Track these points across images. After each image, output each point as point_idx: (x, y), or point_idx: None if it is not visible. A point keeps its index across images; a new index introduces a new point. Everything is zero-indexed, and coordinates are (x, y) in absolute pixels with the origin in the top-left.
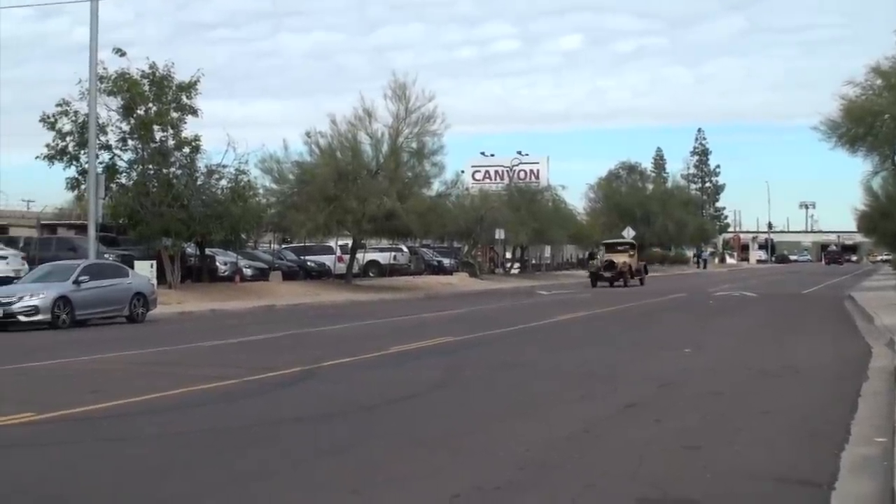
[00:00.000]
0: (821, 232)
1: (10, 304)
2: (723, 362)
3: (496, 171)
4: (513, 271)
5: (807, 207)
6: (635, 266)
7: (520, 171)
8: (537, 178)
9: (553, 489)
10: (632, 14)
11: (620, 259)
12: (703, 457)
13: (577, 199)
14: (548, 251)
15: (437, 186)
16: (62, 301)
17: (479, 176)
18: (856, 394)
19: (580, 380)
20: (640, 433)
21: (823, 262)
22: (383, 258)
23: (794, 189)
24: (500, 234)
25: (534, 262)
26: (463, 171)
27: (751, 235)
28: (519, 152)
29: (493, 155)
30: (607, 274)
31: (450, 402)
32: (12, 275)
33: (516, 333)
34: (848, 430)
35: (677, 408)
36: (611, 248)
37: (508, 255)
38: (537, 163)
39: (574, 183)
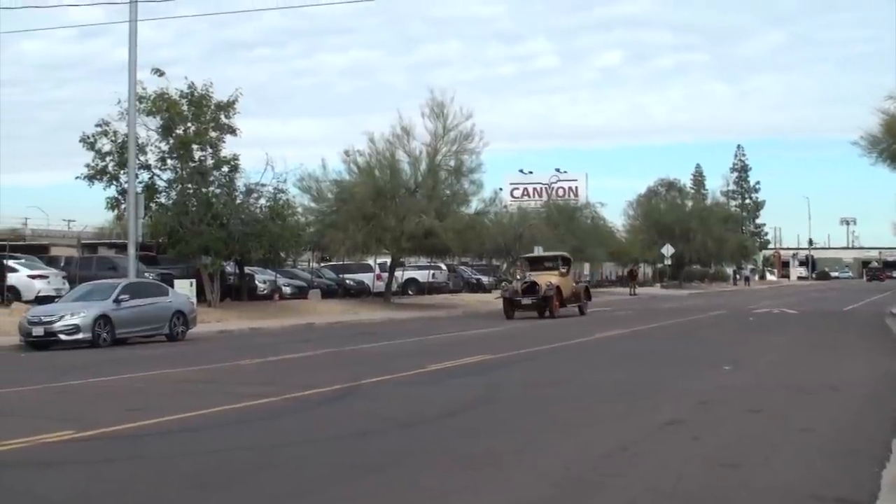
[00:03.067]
0: (862, 248)
1: (51, 322)
2: (762, 380)
3: (534, 189)
4: None
5: (847, 223)
6: (570, 288)
7: (558, 188)
8: (576, 195)
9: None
10: (672, 29)
11: (545, 279)
12: (742, 474)
13: (616, 216)
14: (587, 269)
15: (475, 204)
16: (103, 320)
17: (517, 193)
18: (894, 412)
19: (619, 397)
20: (678, 451)
21: (865, 278)
22: (422, 276)
23: (834, 205)
24: (538, 251)
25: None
26: (501, 189)
27: (791, 252)
28: (557, 169)
29: (531, 172)
30: (527, 300)
31: (489, 419)
32: (53, 294)
33: (555, 351)
34: (889, 447)
35: (716, 425)
36: (535, 263)
37: None
38: (576, 180)
39: (613, 200)
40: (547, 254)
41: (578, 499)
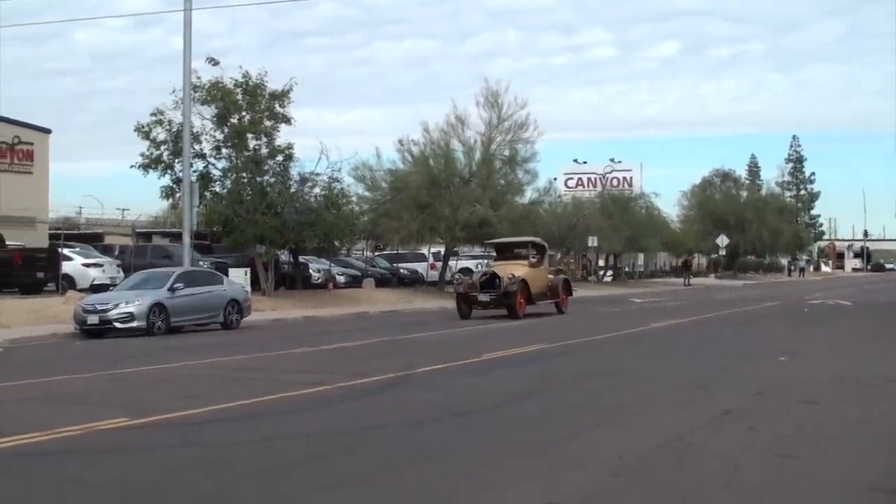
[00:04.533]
0: None
1: (106, 311)
2: (818, 371)
3: (589, 179)
4: (605, 279)
5: None
6: (544, 282)
7: (613, 178)
8: (630, 185)
9: (646, 497)
10: (730, 20)
11: (508, 271)
12: (799, 466)
13: (670, 206)
14: (641, 259)
15: (529, 194)
16: (157, 308)
17: (571, 183)
18: None
19: (675, 387)
20: (735, 441)
21: None
22: (476, 265)
23: (890, 197)
24: (592, 241)
25: (626, 269)
26: (556, 179)
27: (846, 243)
28: (612, 159)
29: (585, 162)
30: (484, 297)
31: (543, 408)
32: (108, 282)
33: (609, 341)
34: None
35: (772, 416)
36: (503, 250)
37: (601, 263)
38: (630, 170)
39: (668, 190)
40: (516, 239)
41: (633, 488)
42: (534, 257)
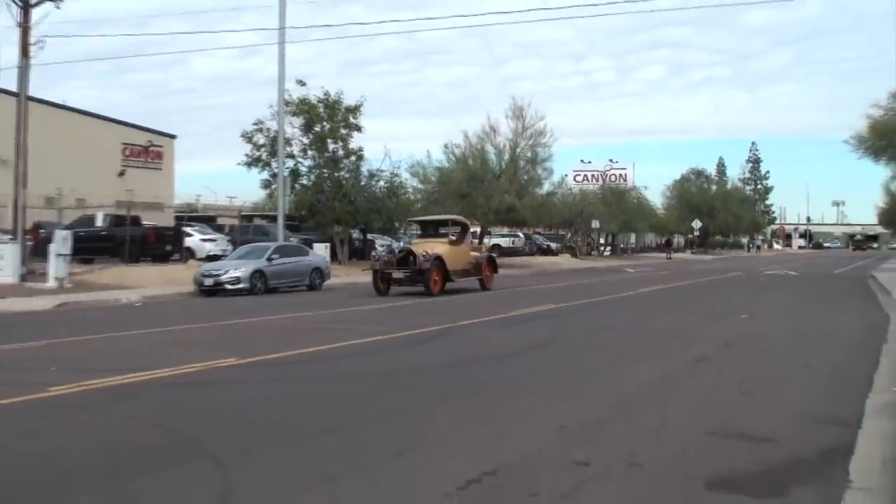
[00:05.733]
0: (849, 224)
1: (218, 276)
2: (771, 327)
3: (592, 175)
4: (605, 253)
5: (838, 205)
6: (465, 260)
7: (611, 174)
8: (625, 180)
9: (639, 423)
10: (703, 50)
11: (424, 248)
12: (757, 401)
13: (656, 197)
14: (633, 238)
15: (546, 186)
16: (258, 273)
17: (579, 178)
18: (877, 353)
19: (660, 339)
20: (707, 381)
21: (851, 248)
22: (504, 242)
23: (828, 190)
24: (595, 224)
25: (622, 246)
26: (566, 175)
27: (793, 227)
28: (611, 160)
29: (590, 162)
30: (399, 274)
31: (558, 355)
32: (220, 253)
33: (608, 302)
34: (871, 381)
35: (736, 362)
36: (426, 228)
37: (602, 241)
38: (625, 168)
39: (654, 184)
40: (438, 217)
41: (629, 416)
42: (453, 235)
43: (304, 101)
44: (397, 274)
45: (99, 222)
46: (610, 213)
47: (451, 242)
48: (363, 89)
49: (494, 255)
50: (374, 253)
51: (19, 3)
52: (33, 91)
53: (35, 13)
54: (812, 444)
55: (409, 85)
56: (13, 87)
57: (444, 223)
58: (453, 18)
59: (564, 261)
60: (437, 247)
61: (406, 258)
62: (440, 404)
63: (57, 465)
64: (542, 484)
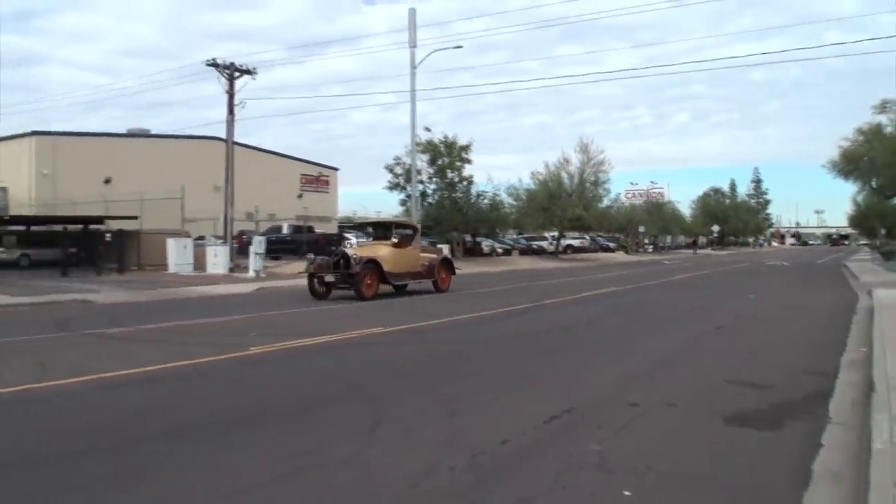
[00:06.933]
0: (827, 227)
1: None
2: (771, 303)
3: (639, 193)
4: (648, 250)
5: (819, 212)
6: (412, 263)
7: (652, 192)
8: (663, 196)
9: (675, 374)
10: (718, 100)
11: (364, 251)
12: (759, 358)
13: (685, 208)
14: (668, 238)
15: (605, 202)
16: None
17: (629, 196)
18: (849, 322)
19: (690, 312)
20: (723, 343)
21: (829, 245)
22: (575, 242)
23: (811, 201)
24: (641, 228)
25: (660, 245)
26: (620, 193)
27: (786, 229)
28: (652, 181)
29: (636, 183)
30: (331, 277)
31: (615, 325)
32: None
33: (652, 287)
34: (844, 343)
35: (745, 329)
36: (379, 229)
37: (646, 241)
38: (663, 188)
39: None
40: (382, 219)
41: (667, 369)
42: (397, 237)
43: (429, 143)
44: (329, 277)
45: (284, 231)
46: (651, 221)
47: (395, 245)
48: (472, 132)
49: (450, 257)
50: (309, 256)
51: (226, 76)
52: (237, 137)
53: (237, 83)
54: (801, 390)
55: (505, 129)
56: (223, 135)
57: (388, 225)
58: (536, 80)
59: (619, 256)
60: (380, 249)
61: (342, 261)
62: (529, 360)
63: (256, 401)
64: (604, 419)
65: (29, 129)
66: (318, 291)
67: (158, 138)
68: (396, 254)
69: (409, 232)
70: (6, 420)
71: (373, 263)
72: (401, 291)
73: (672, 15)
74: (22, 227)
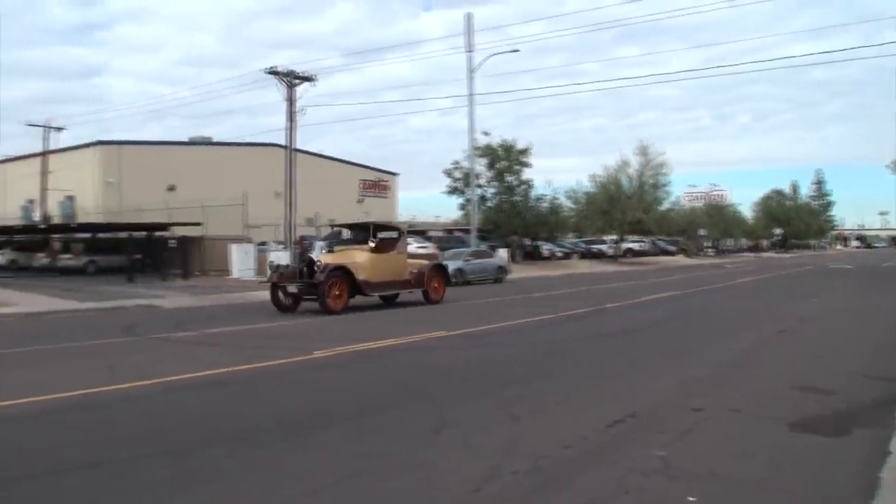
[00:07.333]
0: (892, 229)
1: None
2: (835, 307)
3: (699, 195)
4: (709, 253)
5: (882, 214)
6: (393, 270)
7: (713, 195)
8: (724, 199)
9: (739, 378)
10: (776, 101)
11: (338, 259)
12: (824, 362)
13: (747, 210)
14: (730, 241)
15: (665, 204)
16: (459, 270)
17: (689, 198)
18: None
19: (753, 316)
20: (788, 347)
21: (894, 248)
22: (636, 246)
23: (874, 203)
24: (702, 231)
25: (721, 248)
26: (680, 196)
27: (849, 231)
28: (712, 184)
29: (696, 186)
30: (293, 287)
31: (678, 329)
32: None
33: (714, 290)
34: None
35: (809, 333)
36: (358, 234)
37: (707, 244)
38: (724, 190)
39: (745, 201)
40: (360, 222)
41: (731, 373)
42: (374, 241)
43: (488, 147)
44: (291, 288)
45: (345, 235)
46: (712, 223)
47: (373, 249)
48: (530, 136)
49: (444, 263)
50: (270, 262)
51: (286, 84)
52: (298, 144)
53: (298, 90)
54: (867, 396)
55: (564, 132)
56: (283, 142)
57: (365, 227)
58: (595, 83)
59: (680, 259)
60: (356, 255)
61: (306, 270)
62: (591, 364)
63: (317, 406)
64: (668, 424)
65: (94, 139)
66: (284, 304)
67: (220, 146)
68: (375, 260)
69: (392, 235)
70: (74, 422)
71: (341, 271)
72: (391, 303)
73: (730, 15)
74: (88, 235)
